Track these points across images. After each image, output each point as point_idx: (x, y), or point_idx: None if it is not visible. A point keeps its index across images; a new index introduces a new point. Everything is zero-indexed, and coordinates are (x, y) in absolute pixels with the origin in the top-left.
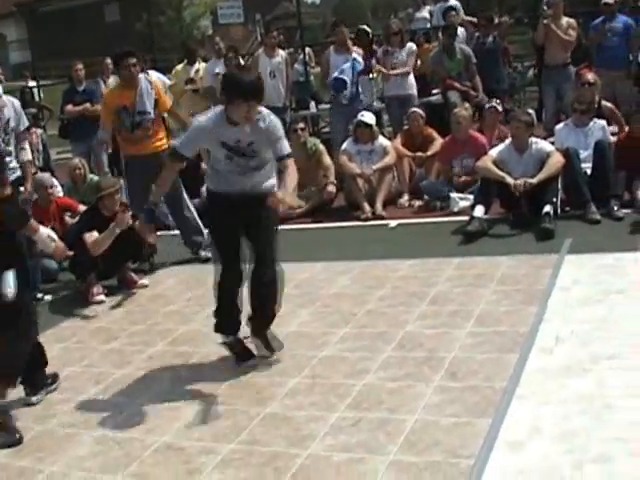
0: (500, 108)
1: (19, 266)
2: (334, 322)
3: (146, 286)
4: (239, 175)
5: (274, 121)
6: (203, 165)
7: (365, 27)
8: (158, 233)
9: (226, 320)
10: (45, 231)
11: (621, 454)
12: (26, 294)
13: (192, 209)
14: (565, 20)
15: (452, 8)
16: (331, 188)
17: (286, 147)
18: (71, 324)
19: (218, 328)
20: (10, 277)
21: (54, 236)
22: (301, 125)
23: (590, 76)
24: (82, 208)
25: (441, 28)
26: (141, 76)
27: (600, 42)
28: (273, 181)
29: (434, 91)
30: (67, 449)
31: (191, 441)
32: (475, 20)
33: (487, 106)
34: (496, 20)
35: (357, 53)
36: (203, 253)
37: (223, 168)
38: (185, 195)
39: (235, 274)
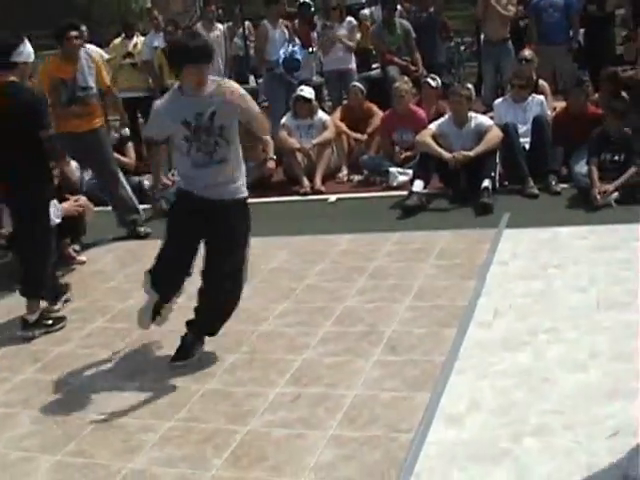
0: (434, 83)
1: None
2: (273, 297)
3: (84, 262)
4: (202, 167)
5: (234, 85)
6: None
7: (308, 0)
8: (97, 208)
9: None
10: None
11: (558, 426)
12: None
13: (127, 187)
14: None
15: None
16: (270, 163)
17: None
18: (8, 301)
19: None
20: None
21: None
22: None
23: (527, 52)
24: None
25: (380, 3)
26: (81, 50)
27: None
28: (240, 190)
29: (374, 65)
30: (5, 429)
31: (130, 418)
32: None
33: (432, 83)
34: None
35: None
36: (142, 229)
37: (185, 160)
38: (120, 174)
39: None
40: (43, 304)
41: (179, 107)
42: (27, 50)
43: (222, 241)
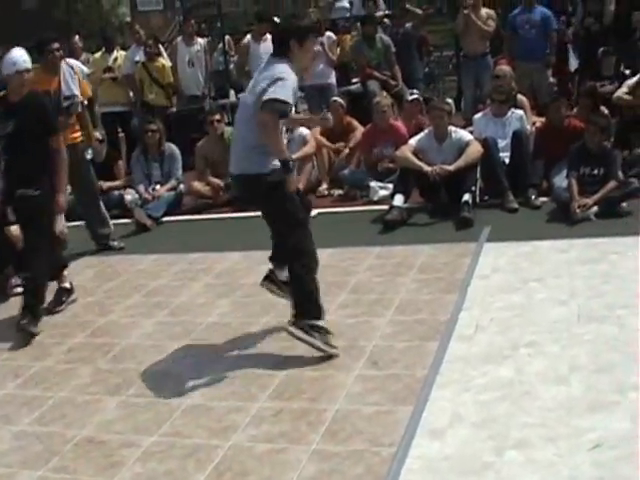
0: (414, 98)
1: None
2: (255, 312)
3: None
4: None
5: None
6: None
7: (275, 18)
8: (75, 223)
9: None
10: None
11: (540, 440)
12: None
13: (101, 202)
14: (484, 11)
15: None
16: None
17: None
18: None
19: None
20: None
21: None
22: (217, 117)
23: (505, 67)
24: None
25: (361, 18)
26: (62, 63)
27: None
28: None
29: (354, 80)
30: None
31: (112, 434)
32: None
33: (410, 98)
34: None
35: None
36: (115, 243)
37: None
38: (96, 188)
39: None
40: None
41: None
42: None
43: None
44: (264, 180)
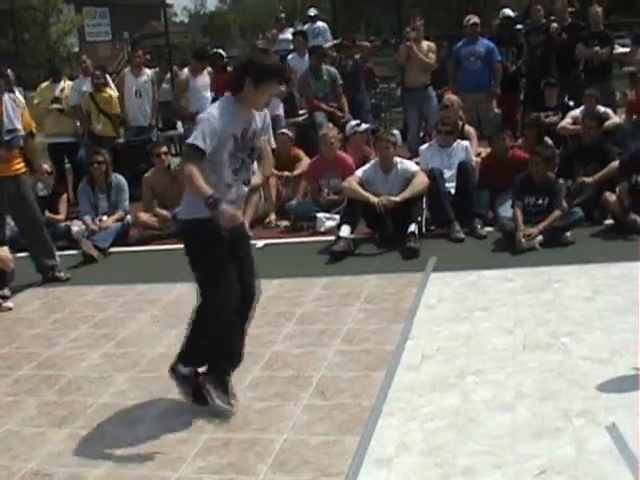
0: (360, 129)
1: None
2: None
3: (10, 309)
4: (235, 184)
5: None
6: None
7: (220, 51)
8: (20, 255)
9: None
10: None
11: (487, 466)
12: None
13: (46, 233)
14: (425, 43)
15: (301, 33)
16: None
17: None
18: None
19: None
20: None
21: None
22: (164, 148)
23: (452, 97)
24: None
25: (308, 49)
26: (4, 94)
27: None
28: None
29: (301, 111)
30: None
31: (58, 467)
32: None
33: (358, 129)
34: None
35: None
36: (61, 274)
37: (222, 177)
38: (41, 220)
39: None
40: None
41: (234, 121)
42: None
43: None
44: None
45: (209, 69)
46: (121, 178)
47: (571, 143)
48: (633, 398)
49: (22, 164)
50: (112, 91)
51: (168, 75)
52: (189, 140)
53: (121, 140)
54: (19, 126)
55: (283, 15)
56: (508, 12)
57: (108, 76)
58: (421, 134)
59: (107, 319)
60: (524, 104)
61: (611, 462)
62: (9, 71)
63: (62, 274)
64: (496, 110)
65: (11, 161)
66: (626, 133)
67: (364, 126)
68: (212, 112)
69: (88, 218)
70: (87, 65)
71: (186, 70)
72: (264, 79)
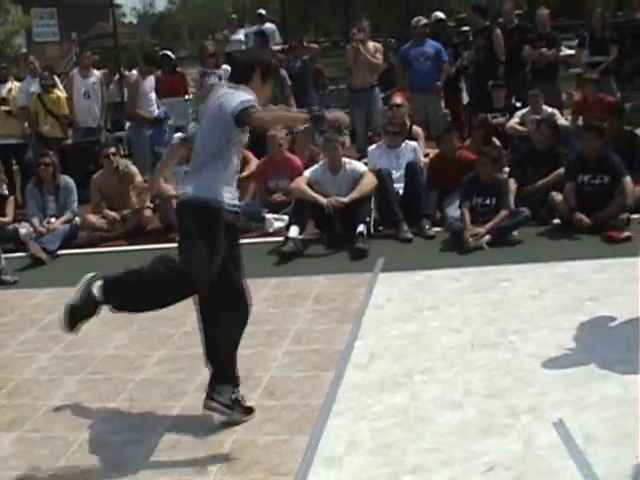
0: (307, 130)
1: None
2: (151, 344)
3: None
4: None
5: None
6: None
7: (168, 52)
8: None
9: None
10: None
11: (435, 464)
12: None
13: None
14: (372, 44)
15: (262, 32)
16: (147, 213)
17: None
18: None
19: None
20: None
21: None
22: (112, 150)
23: (399, 99)
24: None
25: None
26: None
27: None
28: None
29: None
30: None
31: (8, 470)
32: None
33: (300, 128)
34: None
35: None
36: (8, 277)
37: (230, 166)
38: None
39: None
40: None
41: None
42: None
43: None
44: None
45: (157, 72)
46: (69, 180)
47: (519, 145)
48: (579, 394)
49: None
50: (60, 92)
51: (117, 76)
52: (239, 106)
53: (69, 141)
54: None
55: (235, 16)
56: (439, 15)
57: (56, 77)
58: (369, 134)
59: (56, 321)
60: (470, 105)
61: (558, 457)
62: None
63: (9, 277)
64: (444, 111)
65: None
66: (572, 134)
67: (305, 125)
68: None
69: (36, 220)
70: (35, 66)
71: (135, 72)
72: (270, 74)
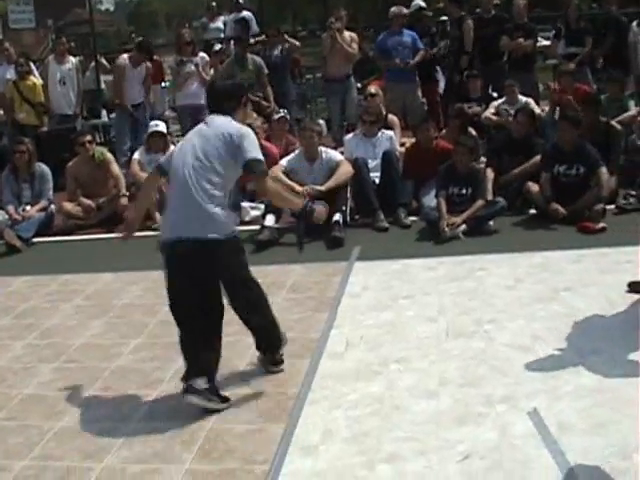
0: (283, 118)
1: None
2: (126, 333)
3: None
4: None
5: None
6: None
7: (146, 39)
8: None
9: None
10: None
11: (410, 453)
12: None
13: None
14: (348, 34)
15: (244, 19)
16: (123, 201)
17: None
18: None
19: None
20: None
21: None
22: (88, 137)
23: (373, 88)
24: None
25: (234, 39)
26: None
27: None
28: None
29: None
30: None
31: None
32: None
33: (276, 117)
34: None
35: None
36: None
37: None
38: None
39: None
40: None
41: None
42: None
43: None
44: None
45: (148, 64)
46: (45, 167)
47: (495, 134)
48: (553, 384)
49: None
50: (36, 79)
51: (92, 63)
52: (254, 156)
53: (45, 129)
54: None
55: (214, 3)
56: (421, 3)
57: (32, 64)
58: (344, 124)
59: (31, 309)
60: (446, 95)
61: (533, 446)
62: None
63: None
64: (422, 100)
65: None
66: (548, 125)
67: (280, 114)
68: (245, 128)
69: (11, 208)
70: (10, 52)
71: (125, 57)
72: (248, 100)
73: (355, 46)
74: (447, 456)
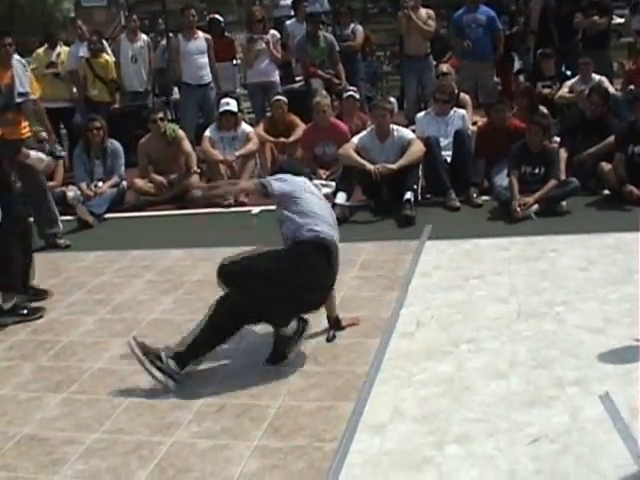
0: (357, 96)
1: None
2: (197, 309)
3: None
4: None
5: None
6: None
7: (217, 16)
8: None
9: None
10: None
11: (480, 434)
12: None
13: (52, 200)
14: (424, 11)
15: None
16: (194, 177)
17: None
18: None
19: None
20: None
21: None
22: (160, 115)
23: (445, 67)
24: None
25: (305, 16)
26: (15, 57)
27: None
28: None
29: (297, 78)
30: None
31: (54, 431)
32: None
33: (345, 95)
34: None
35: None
36: (62, 241)
37: None
38: (47, 185)
39: None
40: None
41: None
42: None
43: None
44: None
45: (207, 35)
46: (117, 144)
47: (568, 114)
48: (626, 367)
49: (28, 128)
50: (108, 56)
51: (164, 41)
52: None
53: (117, 106)
54: (29, 89)
55: None
56: None
57: (104, 41)
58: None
59: (102, 285)
60: (525, 73)
61: (604, 431)
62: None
63: (62, 241)
64: (495, 79)
65: (20, 124)
66: (622, 104)
67: (349, 92)
68: None
69: (84, 184)
70: (83, 30)
71: (179, 35)
72: None
73: (432, 23)
74: (516, 439)
